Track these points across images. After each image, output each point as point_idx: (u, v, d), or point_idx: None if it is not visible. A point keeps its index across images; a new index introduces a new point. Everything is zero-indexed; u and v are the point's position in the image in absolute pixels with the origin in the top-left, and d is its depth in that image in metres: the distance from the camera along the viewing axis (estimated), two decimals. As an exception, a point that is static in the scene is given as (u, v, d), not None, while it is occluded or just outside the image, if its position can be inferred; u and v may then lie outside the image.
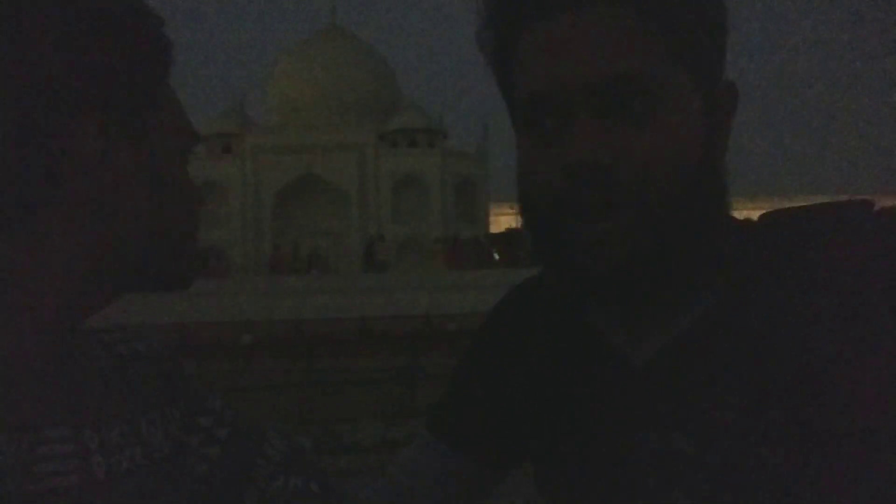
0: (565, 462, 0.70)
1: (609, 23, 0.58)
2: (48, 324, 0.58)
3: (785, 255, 0.62)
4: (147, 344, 0.71)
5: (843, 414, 0.55)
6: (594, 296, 0.65)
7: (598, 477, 0.67)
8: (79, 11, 0.56)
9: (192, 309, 14.58)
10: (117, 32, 0.57)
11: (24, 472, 0.53)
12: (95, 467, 0.57)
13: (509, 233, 22.70)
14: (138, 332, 0.71)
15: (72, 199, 0.57)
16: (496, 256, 20.78)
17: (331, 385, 10.24)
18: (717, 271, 0.64)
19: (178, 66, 0.63)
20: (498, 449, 0.79)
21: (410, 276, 18.68)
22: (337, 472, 5.97)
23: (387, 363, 11.01)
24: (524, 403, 0.74)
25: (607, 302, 0.67)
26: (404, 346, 11.70)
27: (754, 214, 0.68)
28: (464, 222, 30.04)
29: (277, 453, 0.73)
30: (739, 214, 0.70)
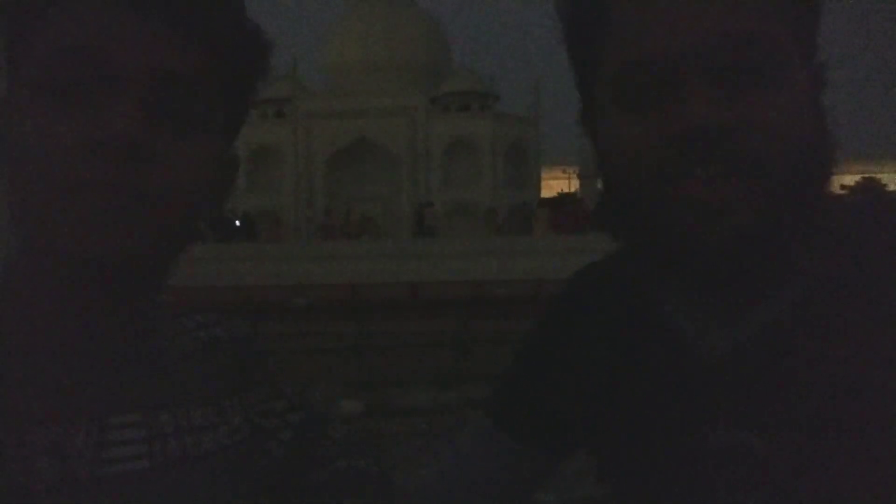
0: (631, 456, 0.68)
1: None
2: (121, 300, 0.58)
3: (880, 246, 0.58)
4: (226, 329, 0.71)
5: None
6: (696, 271, 0.60)
7: (664, 473, 0.65)
8: None
9: (247, 271, 14.93)
10: None
11: (93, 458, 0.54)
12: (171, 451, 0.58)
13: (562, 197, 22.29)
14: (219, 317, 0.72)
15: None
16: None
17: (382, 349, 10.39)
18: (804, 260, 0.60)
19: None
20: (561, 439, 0.78)
21: (461, 241, 18.66)
22: (388, 436, 6.08)
23: (437, 328, 11.10)
24: (591, 394, 0.73)
25: (700, 280, 0.62)
26: (455, 312, 11.77)
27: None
28: (514, 188, 29.81)
29: (340, 435, 0.75)
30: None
